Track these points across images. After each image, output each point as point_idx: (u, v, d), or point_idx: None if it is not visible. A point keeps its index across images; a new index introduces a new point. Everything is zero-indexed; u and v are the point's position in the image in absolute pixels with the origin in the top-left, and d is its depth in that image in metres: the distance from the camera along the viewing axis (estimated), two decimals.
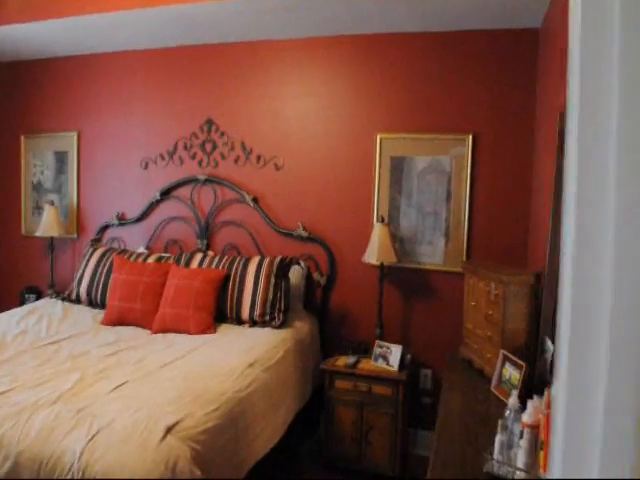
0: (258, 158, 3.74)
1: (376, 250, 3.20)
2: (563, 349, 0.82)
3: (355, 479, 3.09)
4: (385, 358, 3.13)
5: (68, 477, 1.73)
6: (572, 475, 0.80)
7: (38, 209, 4.43)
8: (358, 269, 3.51)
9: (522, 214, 3.21)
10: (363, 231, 3.47)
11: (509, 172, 3.25)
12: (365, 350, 3.31)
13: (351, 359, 3.18)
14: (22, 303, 4.10)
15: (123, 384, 2.24)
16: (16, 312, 3.39)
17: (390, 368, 3.08)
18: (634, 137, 0.73)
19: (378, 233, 3.22)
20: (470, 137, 3.28)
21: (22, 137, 4.48)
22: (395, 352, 3.11)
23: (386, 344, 3.17)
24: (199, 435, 1.95)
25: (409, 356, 3.22)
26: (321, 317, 3.57)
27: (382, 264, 3.25)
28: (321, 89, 3.62)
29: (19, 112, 4.49)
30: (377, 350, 3.18)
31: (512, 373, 2.10)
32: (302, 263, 3.53)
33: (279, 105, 3.71)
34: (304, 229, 3.61)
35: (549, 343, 1.90)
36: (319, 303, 3.60)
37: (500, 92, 3.25)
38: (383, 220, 3.30)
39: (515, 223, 3.24)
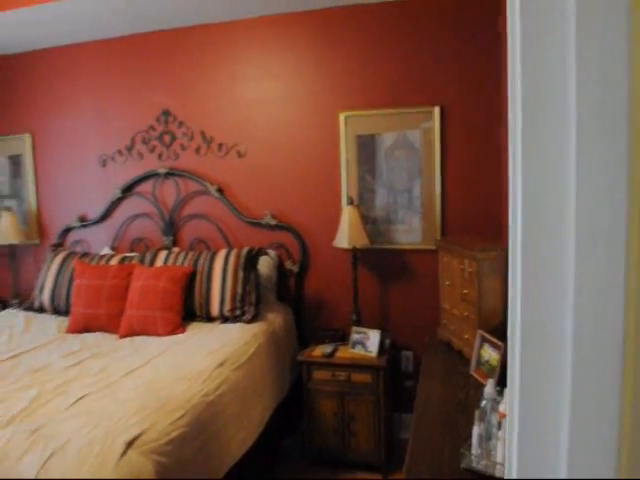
0: (220, 147, 3.59)
1: (347, 233, 3.08)
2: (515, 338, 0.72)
3: (342, 471, 3.01)
4: (363, 344, 3.04)
5: None
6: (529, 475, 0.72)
7: None
8: (331, 254, 3.40)
9: (495, 187, 3.11)
10: (333, 215, 3.35)
11: (479, 143, 3.14)
12: (343, 337, 3.22)
13: (328, 348, 3.09)
14: None
15: (82, 397, 2.10)
16: None
17: (369, 354, 2.99)
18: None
19: (348, 216, 3.11)
20: (437, 109, 3.16)
21: None
22: (373, 337, 3.03)
23: (364, 330, 3.08)
24: (163, 447, 1.84)
25: (388, 340, 3.13)
26: (296, 307, 3.46)
27: (354, 247, 3.14)
28: (279, 70, 3.46)
29: None
30: (354, 337, 3.08)
31: (491, 354, 2.02)
32: (272, 252, 3.41)
33: (237, 90, 3.55)
34: (272, 217, 3.48)
35: None
36: (293, 292, 3.49)
37: (464, 59, 3.12)
38: (352, 202, 3.18)
39: (488, 196, 3.14)
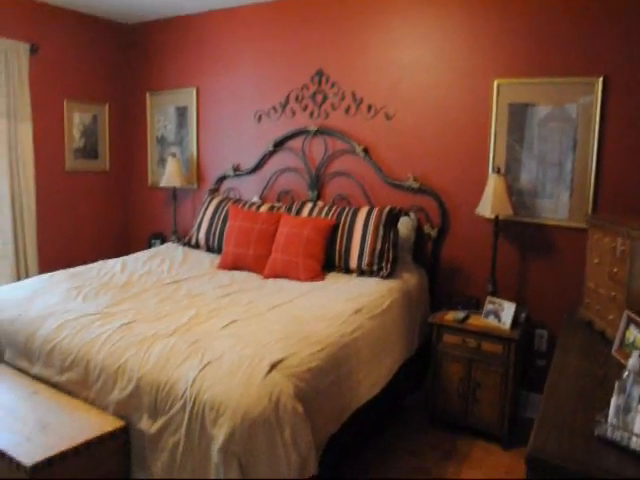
0: (369, 108, 3.66)
1: (490, 202, 3.01)
2: None
3: (460, 435, 3.03)
4: (497, 315, 2.99)
5: (181, 402, 1.86)
6: None
7: (162, 161, 4.73)
8: (471, 222, 3.35)
9: None
10: (477, 183, 3.28)
11: None
12: (476, 306, 3.19)
13: (460, 314, 3.08)
14: (149, 247, 4.44)
15: (233, 322, 2.34)
16: (143, 255, 3.71)
17: (501, 326, 2.94)
18: None
19: (493, 184, 3.03)
20: (600, 80, 2.92)
21: (147, 94, 4.78)
22: (508, 309, 2.96)
23: (498, 300, 3.02)
24: (303, 373, 1.99)
25: (523, 315, 3.04)
26: (431, 270, 3.47)
27: (497, 217, 3.07)
28: (433, 35, 3.41)
29: (145, 71, 4.79)
30: (488, 306, 3.04)
31: (637, 336, 1.91)
32: (412, 215, 3.44)
33: (389, 53, 3.57)
34: (415, 180, 3.50)
35: None
36: (429, 256, 3.50)
37: (635, 21, 2.83)
38: (499, 171, 3.09)
39: None
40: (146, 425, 1.95)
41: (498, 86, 3.21)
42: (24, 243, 4.11)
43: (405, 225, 3.39)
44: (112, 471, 1.93)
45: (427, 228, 3.47)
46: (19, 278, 4.00)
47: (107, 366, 2.08)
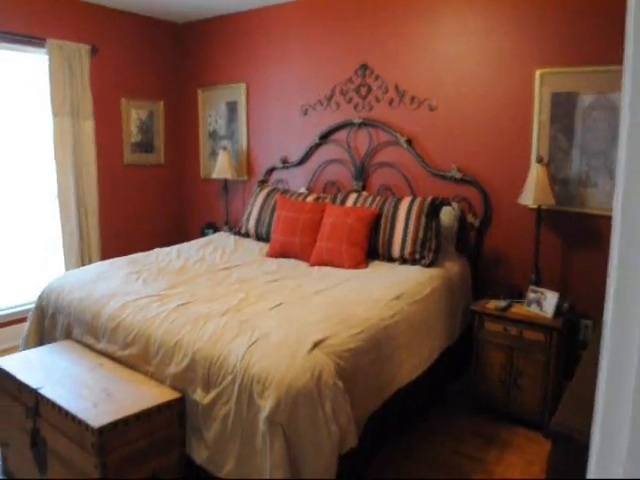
0: (412, 100, 3.72)
1: (533, 192, 3.03)
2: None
3: (501, 421, 3.08)
4: (539, 304, 3.01)
5: (231, 375, 2.01)
6: None
7: (214, 154, 4.94)
8: (514, 212, 3.37)
9: None
10: (520, 172, 3.29)
11: None
12: (519, 296, 3.21)
13: (502, 303, 3.12)
14: (202, 236, 4.67)
15: (279, 305, 2.49)
16: (196, 243, 3.92)
17: (544, 314, 2.96)
18: None
19: (536, 174, 3.05)
20: None
21: (199, 90, 5.00)
22: (550, 298, 2.98)
23: (541, 289, 3.04)
24: (343, 352, 2.11)
25: (566, 304, 3.05)
26: (473, 259, 3.52)
27: (539, 207, 3.08)
28: (475, 25, 3.44)
29: (196, 67, 5.01)
30: (531, 295, 3.06)
31: None
32: (454, 204, 3.49)
33: (431, 45, 3.62)
34: (458, 170, 3.54)
35: None
36: (472, 245, 3.54)
37: None
38: (542, 160, 3.10)
39: None
40: (200, 396, 2.12)
41: (541, 76, 3.22)
42: (87, 233, 4.40)
43: (448, 215, 3.45)
44: (169, 437, 2.11)
45: (470, 218, 3.51)
46: (83, 265, 4.30)
47: (165, 342, 2.27)
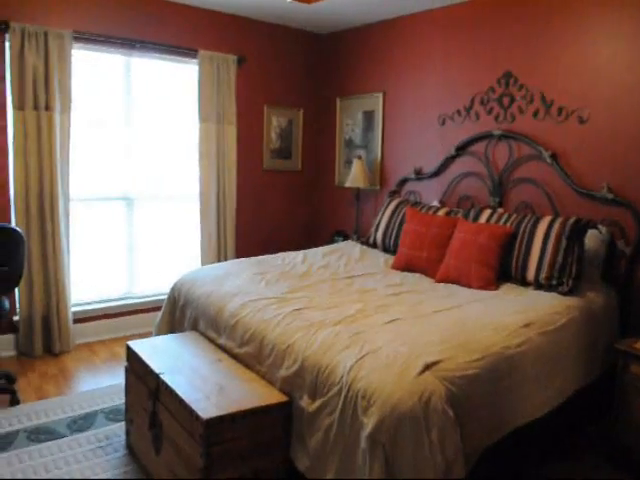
0: (559, 111, 3.41)
1: None
2: None
3: None
4: None
5: (338, 387, 1.97)
6: None
7: (348, 163, 4.98)
8: None
9: None
10: None
11: None
12: None
13: None
14: (331, 243, 4.72)
15: (396, 320, 2.40)
16: (323, 249, 3.97)
17: None
18: None
19: None
20: None
21: (337, 99, 5.07)
22: None
23: None
24: (457, 379, 1.97)
25: None
26: (623, 291, 3.12)
27: None
28: (630, 28, 3.06)
29: (336, 77, 5.10)
30: None
31: None
32: (602, 228, 3.13)
33: (583, 51, 3.29)
34: (609, 190, 3.17)
35: None
36: (622, 275, 3.15)
37: None
38: None
39: None
40: (306, 403, 2.10)
41: None
42: (225, 233, 4.67)
43: (594, 239, 3.10)
44: (273, 438, 2.13)
45: (621, 244, 3.13)
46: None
47: (278, 344, 2.30)
